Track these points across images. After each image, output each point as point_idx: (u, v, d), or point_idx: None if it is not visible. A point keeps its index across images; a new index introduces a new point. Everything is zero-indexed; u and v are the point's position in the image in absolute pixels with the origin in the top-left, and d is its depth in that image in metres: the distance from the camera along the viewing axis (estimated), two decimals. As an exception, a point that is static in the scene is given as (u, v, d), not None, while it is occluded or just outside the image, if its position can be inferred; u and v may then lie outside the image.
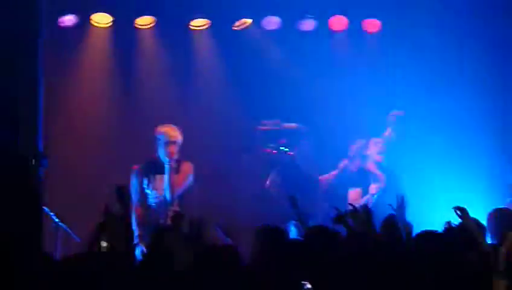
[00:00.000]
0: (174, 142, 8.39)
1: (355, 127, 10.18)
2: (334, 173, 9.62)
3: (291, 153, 10.07)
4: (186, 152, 9.48)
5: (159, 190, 8.33)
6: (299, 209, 6.83)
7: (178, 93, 10.63)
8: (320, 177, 9.65)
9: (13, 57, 6.39)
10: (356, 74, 10.50)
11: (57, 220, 7.91)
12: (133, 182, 8.38)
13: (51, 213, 7.96)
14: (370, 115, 10.12)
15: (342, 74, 10.56)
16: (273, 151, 10.10)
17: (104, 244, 6.62)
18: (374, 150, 9.32)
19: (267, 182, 9.66)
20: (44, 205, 7.90)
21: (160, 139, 8.41)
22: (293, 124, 10.32)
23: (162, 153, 8.38)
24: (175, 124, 9.70)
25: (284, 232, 6.08)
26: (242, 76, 10.70)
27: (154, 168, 8.38)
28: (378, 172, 9.29)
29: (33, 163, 6.32)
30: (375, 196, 9.15)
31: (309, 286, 4.89)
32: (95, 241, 5.40)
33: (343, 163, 9.59)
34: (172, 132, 8.46)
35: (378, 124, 9.90)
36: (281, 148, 10.12)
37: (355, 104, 10.41)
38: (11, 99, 6.42)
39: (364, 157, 9.40)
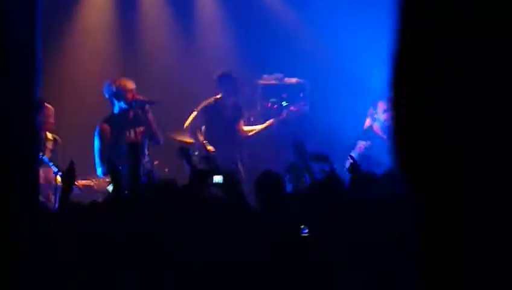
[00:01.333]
0: (134, 89, 8.16)
1: (358, 83, 10.06)
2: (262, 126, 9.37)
3: (293, 108, 9.95)
4: (185, 104, 9.42)
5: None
6: (306, 159, 6.61)
7: (179, 45, 10.53)
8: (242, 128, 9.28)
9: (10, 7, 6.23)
10: (362, 30, 10.26)
11: (56, 170, 7.79)
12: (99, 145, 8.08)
13: (50, 163, 7.86)
14: (373, 72, 9.93)
15: (347, 28, 10.35)
16: (274, 106, 10.00)
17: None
18: (382, 117, 9.21)
19: (185, 125, 9.15)
20: (43, 156, 7.87)
21: (119, 91, 8.06)
22: (294, 79, 10.22)
23: (125, 103, 8.06)
24: (175, 75, 9.60)
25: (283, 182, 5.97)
26: (244, 29, 10.57)
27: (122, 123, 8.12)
28: (382, 135, 9.18)
29: (30, 112, 6.20)
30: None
31: (306, 231, 4.81)
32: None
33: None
34: (127, 80, 8.19)
35: (383, 83, 9.68)
36: (282, 103, 10.03)
37: (359, 60, 10.23)
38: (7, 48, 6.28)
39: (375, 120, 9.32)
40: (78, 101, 9.99)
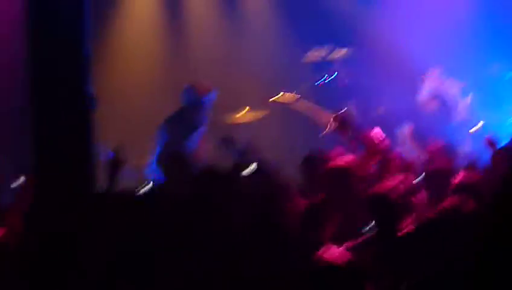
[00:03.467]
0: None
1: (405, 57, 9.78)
2: None
3: (345, 82, 9.93)
4: (231, 86, 9.51)
5: None
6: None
7: (223, 26, 10.60)
8: None
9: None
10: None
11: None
12: None
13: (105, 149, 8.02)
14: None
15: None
16: (324, 81, 9.94)
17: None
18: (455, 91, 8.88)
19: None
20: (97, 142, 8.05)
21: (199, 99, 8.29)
22: (343, 51, 10.11)
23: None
24: (220, 58, 9.65)
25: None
26: (289, 4, 10.56)
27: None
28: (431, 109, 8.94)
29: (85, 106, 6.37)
30: None
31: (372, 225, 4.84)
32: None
33: None
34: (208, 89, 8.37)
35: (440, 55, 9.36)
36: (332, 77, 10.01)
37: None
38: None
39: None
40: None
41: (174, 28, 10.56)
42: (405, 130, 8.47)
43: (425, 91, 8.80)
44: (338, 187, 5.61)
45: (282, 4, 10.59)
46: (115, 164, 5.64)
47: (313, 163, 6.27)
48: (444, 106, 8.69)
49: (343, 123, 6.53)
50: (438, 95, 8.75)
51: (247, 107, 9.34)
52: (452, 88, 8.78)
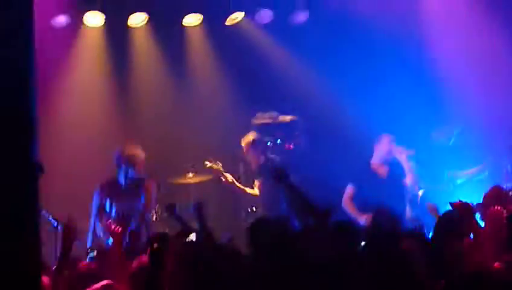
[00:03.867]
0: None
1: (355, 119, 10.08)
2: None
3: (290, 145, 10.01)
4: (181, 149, 9.50)
5: None
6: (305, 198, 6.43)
7: (172, 91, 10.62)
8: None
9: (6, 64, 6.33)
10: (353, 68, 10.38)
11: (55, 223, 7.87)
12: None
13: (49, 217, 7.94)
14: (368, 109, 10.02)
15: (335, 65, 10.45)
16: (270, 145, 10.00)
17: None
18: (403, 158, 8.96)
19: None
20: (42, 209, 7.93)
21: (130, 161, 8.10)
22: (289, 117, 10.23)
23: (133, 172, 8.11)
24: (169, 122, 9.68)
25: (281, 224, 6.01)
26: (236, 70, 10.65)
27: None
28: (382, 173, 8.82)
29: (32, 172, 6.33)
30: None
31: None
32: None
33: None
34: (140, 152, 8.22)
35: (380, 118, 9.69)
36: (278, 141, 10.07)
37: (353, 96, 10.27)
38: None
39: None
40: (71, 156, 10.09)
41: (122, 94, 10.53)
42: (346, 190, 8.64)
43: (376, 157, 8.87)
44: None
45: (230, 71, 10.63)
46: (66, 238, 5.51)
47: (260, 231, 6.22)
48: (393, 171, 8.80)
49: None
50: (387, 160, 8.83)
51: (192, 173, 9.34)
52: (400, 155, 8.92)
